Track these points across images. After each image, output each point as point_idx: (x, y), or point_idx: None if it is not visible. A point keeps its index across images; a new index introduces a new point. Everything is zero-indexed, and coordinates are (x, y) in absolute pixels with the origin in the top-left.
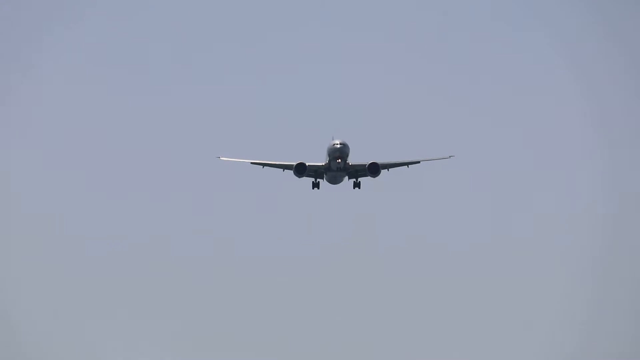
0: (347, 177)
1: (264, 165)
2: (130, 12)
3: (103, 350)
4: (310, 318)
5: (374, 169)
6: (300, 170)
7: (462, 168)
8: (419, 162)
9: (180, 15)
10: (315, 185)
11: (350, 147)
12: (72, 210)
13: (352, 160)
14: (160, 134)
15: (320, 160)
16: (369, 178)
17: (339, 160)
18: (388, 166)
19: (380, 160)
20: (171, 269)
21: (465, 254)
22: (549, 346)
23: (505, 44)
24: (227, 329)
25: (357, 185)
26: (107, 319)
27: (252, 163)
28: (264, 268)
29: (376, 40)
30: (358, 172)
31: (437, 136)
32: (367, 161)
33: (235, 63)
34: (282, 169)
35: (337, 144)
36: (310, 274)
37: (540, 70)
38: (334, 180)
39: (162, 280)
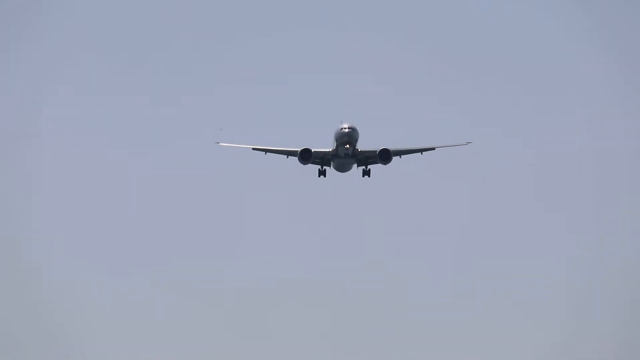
0: (356, 165)
1: (266, 151)
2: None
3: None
4: (310, 319)
5: (385, 156)
6: (305, 156)
7: (481, 156)
8: (433, 148)
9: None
10: (322, 173)
11: (359, 132)
12: (68, 197)
13: (362, 146)
14: (155, 118)
15: (327, 146)
16: (379, 166)
17: (347, 146)
18: (400, 153)
19: (392, 146)
20: (165, 265)
21: (484, 249)
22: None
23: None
24: (225, 324)
25: (366, 173)
26: (103, 314)
27: (253, 149)
28: (265, 264)
29: (391, 24)
30: (368, 159)
31: (453, 122)
32: (377, 147)
33: (240, 46)
34: (285, 155)
35: (346, 128)
36: (316, 270)
37: (561, 50)
38: (342, 168)
39: (158, 273)
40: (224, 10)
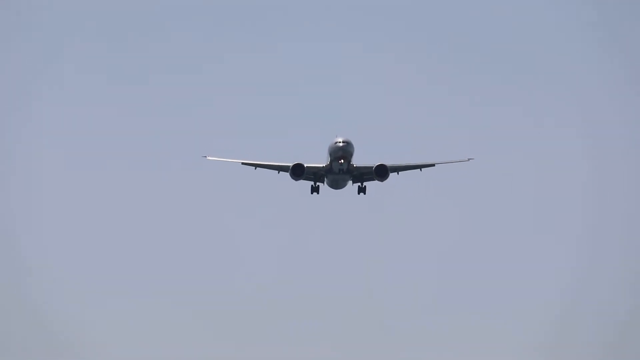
0: (351, 182)
1: (256, 166)
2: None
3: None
4: (298, 337)
5: (381, 172)
6: (298, 172)
7: (482, 172)
8: (433, 165)
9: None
10: (315, 189)
11: (355, 147)
12: (54, 209)
13: (357, 161)
14: (141, 130)
15: (321, 161)
16: (376, 182)
17: (342, 161)
18: (398, 169)
19: (389, 162)
20: (148, 284)
21: (485, 270)
22: None
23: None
24: (212, 341)
25: (362, 190)
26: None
27: (242, 163)
28: (255, 285)
29: (389, 36)
30: (363, 176)
31: (453, 138)
32: (374, 163)
33: (230, 58)
34: (277, 171)
35: (340, 142)
36: (307, 292)
37: (562, 67)
38: (336, 185)
39: (141, 291)
40: (213, 22)
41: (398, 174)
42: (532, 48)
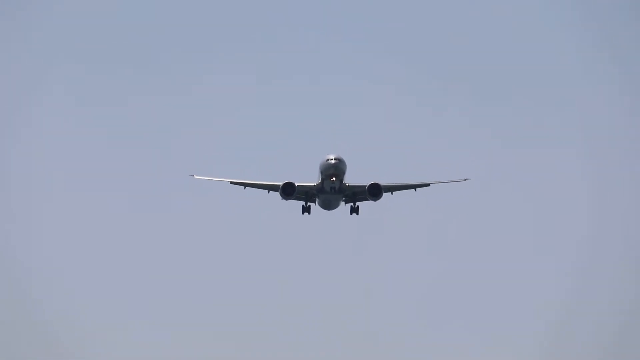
0: (343, 202)
1: (245, 185)
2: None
3: None
4: None
5: (374, 191)
6: (288, 191)
7: (479, 193)
8: (428, 184)
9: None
10: (306, 209)
11: (347, 164)
12: (37, 227)
13: (350, 180)
14: (125, 148)
15: (313, 181)
16: (369, 203)
17: (334, 179)
18: (392, 188)
19: (383, 181)
20: (133, 304)
21: (482, 295)
22: None
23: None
24: None
25: (354, 210)
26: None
27: (231, 183)
28: (242, 310)
29: (382, 54)
30: (356, 195)
31: (448, 158)
32: (367, 182)
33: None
34: (266, 190)
35: (332, 159)
36: (297, 317)
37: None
38: (328, 205)
39: (124, 318)
40: (202, 38)
41: (392, 194)
42: (530, 66)
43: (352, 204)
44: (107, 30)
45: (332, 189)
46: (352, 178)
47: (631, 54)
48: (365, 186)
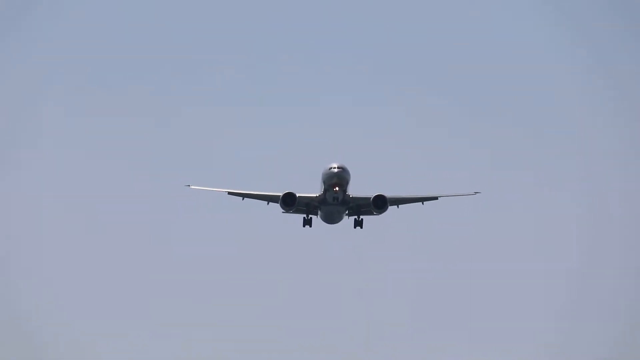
0: (347, 216)
1: (243, 196)
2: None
3: None
4: None
5: (380, 203)
6: (289, 201)
7: (489, 207)
8: (436, 198)
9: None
10: (307, 222)
11: (351, 174)
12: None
13: (354, 192)
14: (118, 157)
15: (315, 192)
16: (373, 216)
17: (337, 189)
18: (398, 202)
19: (389, 193)
20: (127, 317)
21: (490, 312)
22: None
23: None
24: None
25: (358, 224)
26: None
27: (229, 193)
28: (239, 328)
29: (389, 65)
30: (360, 208)
31: (458, 171)
32: (372, 194)
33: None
34: (266, 201)
35: (335, 168)
36: (295, 335)
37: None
38: (331, 218)
39: (117, 330)
40: (199, 47)
41: (398, 207)
42: (535, 88)
43: (355, 216)
44: (100, 39)
45: (335, 200)
46: (357, 190)
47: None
48: (370, 198)
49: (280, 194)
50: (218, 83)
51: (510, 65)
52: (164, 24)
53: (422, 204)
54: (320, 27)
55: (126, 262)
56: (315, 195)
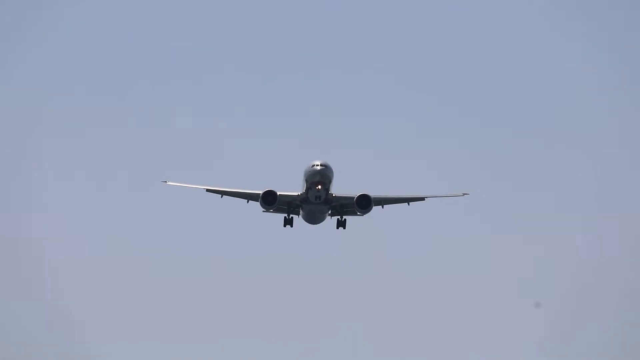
0: (329, 216)
1: (222, 193)
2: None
3: None
4: None
5: (364, 203)
6: (269, 200)
7: (477, 210)
8: (423, 199)
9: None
10: (288, 222)
11: (334, 172)
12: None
13: (337, 191)
14: (95, 150)
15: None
16: (357, 217)
17: (319, 187)
18: (383, 202)
19: (374, 193)
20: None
21: (477, 317)
22: None
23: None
24: None
25: (341, 224)
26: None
27: (207, 190)
28: (216, 333)
29: (378, 65)
30: (344, 208)
31: (446, 171)
32: (355, 193)
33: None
34: (246, 200)
35: (317, 165)
36: (277, 338)
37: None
38: (313, 218)
39: (90, 333)
40: (192, 51)
41: (383, 207)
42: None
43: (338, 217)
44: (93, 44)
45: (317, 198)
46: (341, 190)
47: None
48: (354, 197)
49: (261, 192)
50: (201, 81)
51: (498, 65)
52: (160, 19)
53: (408, 204)
54: (307, 25)
55: (98, 262)
56: (297, 194)
